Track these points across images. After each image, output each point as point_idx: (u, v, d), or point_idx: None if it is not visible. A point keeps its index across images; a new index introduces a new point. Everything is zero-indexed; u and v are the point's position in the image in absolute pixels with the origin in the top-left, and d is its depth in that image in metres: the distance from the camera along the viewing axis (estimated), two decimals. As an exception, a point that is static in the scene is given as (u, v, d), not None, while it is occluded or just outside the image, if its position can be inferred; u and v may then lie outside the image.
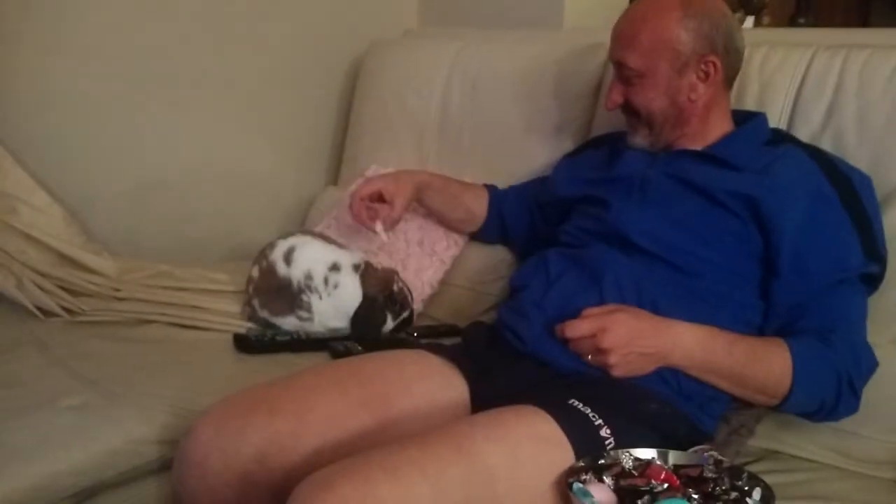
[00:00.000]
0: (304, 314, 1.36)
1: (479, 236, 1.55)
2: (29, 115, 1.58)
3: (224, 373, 1.22)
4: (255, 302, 1.37)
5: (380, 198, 1.38)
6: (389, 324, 1.37)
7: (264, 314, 1.37)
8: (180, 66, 1.75)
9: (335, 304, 1.35)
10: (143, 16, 1.68)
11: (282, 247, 1.36)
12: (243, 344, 1.30)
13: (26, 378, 1.17)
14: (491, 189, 1.51)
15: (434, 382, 1.06)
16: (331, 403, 0.96)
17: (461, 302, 1.58)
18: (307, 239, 1.39)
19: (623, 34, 1.15)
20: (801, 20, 2.46)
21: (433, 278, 1.55)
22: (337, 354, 1.29)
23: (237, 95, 1.87)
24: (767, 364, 1.00)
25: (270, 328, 1.37)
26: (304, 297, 1.34)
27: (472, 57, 1.73)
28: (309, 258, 1.35)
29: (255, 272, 1.37)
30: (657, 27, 1.11)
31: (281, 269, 1.34)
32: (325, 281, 1.34)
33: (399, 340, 1.40)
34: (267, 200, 1.96)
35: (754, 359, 1.00)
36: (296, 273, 1.34)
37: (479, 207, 1.49)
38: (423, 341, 1.38)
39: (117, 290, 1.47)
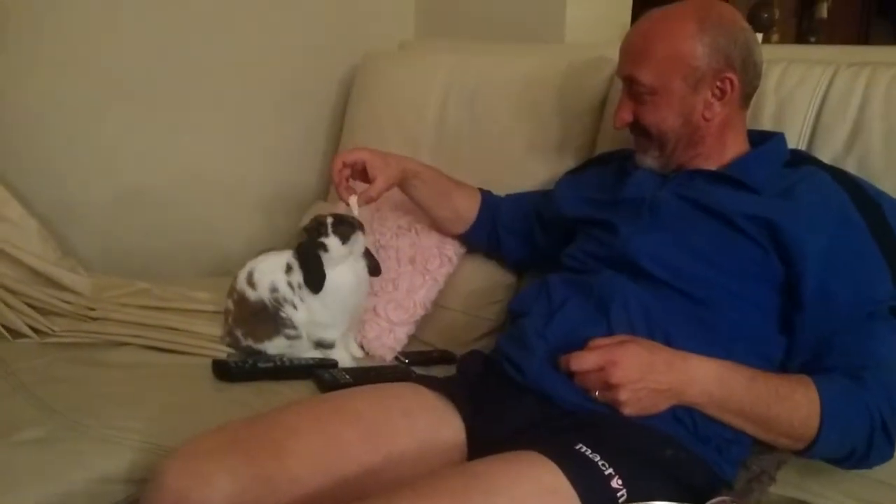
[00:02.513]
0: (291, 332, 1.29)
1: (466, 239, 1.46)
2: (4, 124, 1.52)
3: (200, 403, 1.13)
4: (238, 333, 1.30)
5: (363, 170, 1.29)
6: (340, 247, 1.25)
7: (249, 342, 1.30)
8: (164, 75, 1.70)
9: (316, 308, 1.28)
10: (125, 24, 1.64)
11: (243, 273, 1.31)
12: (222, 371, 1.21)
13: (-15, 406, 1.08)
14: (484, 193, 1.44)
15: (427, 420, 0.98)
16: (315, 445, 0.88)
17: (455, 326, 1.50)
18: (261, 257, 1.32)
19: (634, 48, 1.08)
20: (812, 38, 2.41)
21: (426, 298, 1.47)
22: (322, 383, 1.21)
23: (225, 106, 1.81)
24: (792, 403, 0.92)
25: (254, 355, 1.29)
26: (283, 314, 1.28)
27: (470, 70, 1.66)
28: (266, 272, 1.29)
29: (230, 304, 1.32)
30: (671, 41, 1.04)
31: (250, 294, 1.29)
32: (290, 285, 1.28)
33: (389, 369, 1.32)
34: (254, 214, 1.91)
35: (778, 397, 0.92)
36: (263, 293, 1.28)
37: (468, 209, 1.41)
38: (416, 370, 1.30)
39: (91, 309, 1.39)
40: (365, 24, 2.01)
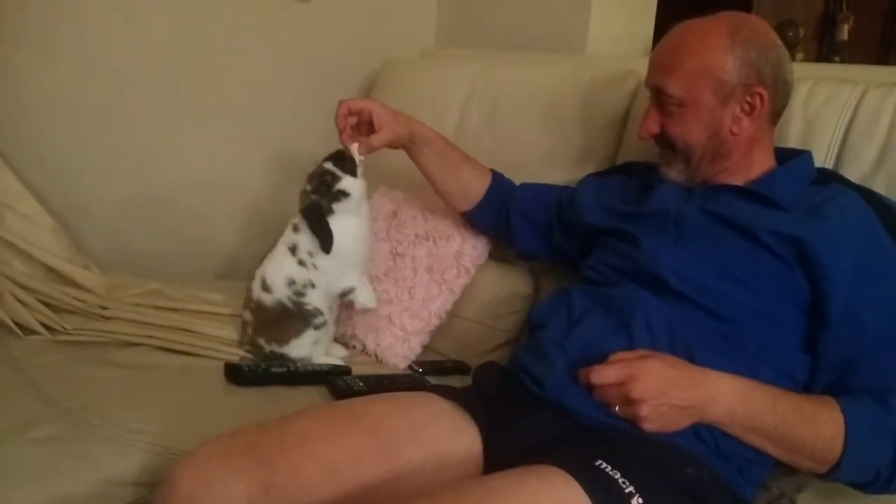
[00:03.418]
0: (318, 320, 1.28)
1: (472, 217, 1.43)
2: (23, 120, 1.53)
3: (212, 407, 1.11)
4: (261, 340, 1.28)
5: (369, 121, 1.26)
6: (357, 183, 1.25)
7: (273, 347, 1.28)
8: (181, 77, 1.70)
9: (330, 267, 1.26)
10: (143, 26, 1.63)
11: (256, 282, 1.28)
12: (235, 375, 1.19)
13: (-6, 402, 1.07)
14: (496, 174, 1.41)
15: (443, 430, 0.96)
16: (329, 453, 0.86)
17: (470, 336, 1.49)
18: (265, 262, 1.30)
19: (664, 59, 1.07)
20: (837, 59, 2.39)
21: (441, 308, 1.45)
22: (336, 390, 1.19)
23: (243, 113, 1.81)
24: (816, 425, 0.90)
25: (279, 359, 1.28)
26: (306, 305, 1.26)
27: (492, 79, 1.65)
28: (277, 271, 1.27)
29: (248, 315, 1.29)
30: (702, 53, 1.03)
31: (268, 300, 1.27)
32: (302, 264, 1.26)
33: (403, 377, 1.31)
34: (268, 220, 1.88)
35: (802, 418, 0.90)
36: (280, 293, 1.26)
37: (476, 186, 1.39)
38: (431, 380, 1.28)
39: (104, 308, 1.38)
40: (386, 31, 2.01)
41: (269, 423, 0.90)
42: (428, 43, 2.10)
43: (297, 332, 1.27)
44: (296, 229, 1.28)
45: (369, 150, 1.26)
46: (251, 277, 1.30)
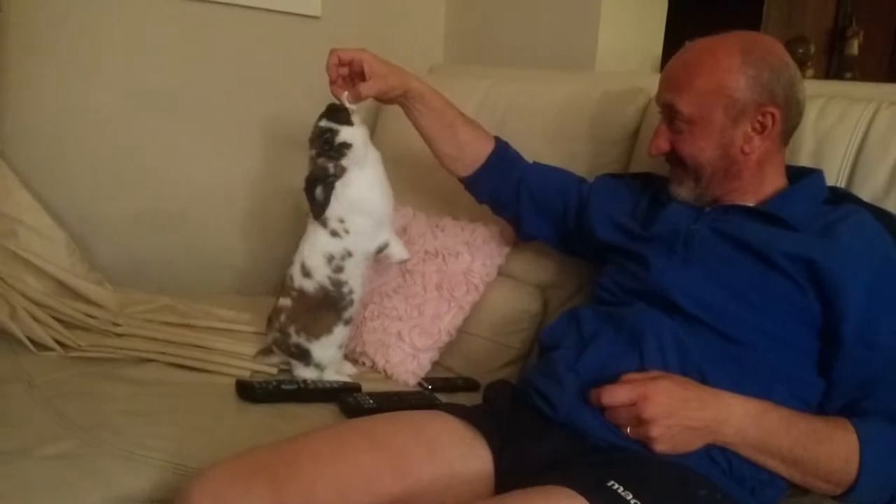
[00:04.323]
0: (349, 312, 1.30)
1: (469, 185, 1.39)
2: (35, 136, 1.55)
3: (224, 424, 1.12)
4: (291, 329, 1.28)
5: (361, 72, 1.23)
6: (357, 132, 1.24)
7: (300, 339, 1.28)
8: (194, 93, 1.72)
9: (362, 225, 1.27)
10: (156, 42, 1.66)
11: (296, 269, 1.28)
12: (246, 392, 1.20)
13: (9, 419, 1.08)
14: (500, 142, 1.36)
15: (455, 449, 0.96)
16: (340, 473, 0.86)
17: (479, 353, 1.49)
18: (300, 249, 1.30)
19: (676, 76, 1.07)
20: (848, 75, 2.39)
21: (451, 325, 1.45)
22: (346, 407, 1.19)
23: (254, 126, 1.82)
24: (831, 447, 0.89)
25: (300, 356, 1.28)
26: (345, 287, 1.28)
27: (501, 95, 1.66)
28: (314, 252, 1.27)
29: (287, 301, 1.29)
30: (714, 72, 1.03)
31: (310, 286, 1.27)
32: (336, 234, 1.27)
33: (413, 395, 1.30)
34: (280, 237, 1.89)
35: (816, 440, 0.90)
36: (321, 275, 1.27)
37: (474, 150, 1.34)
38: (440, 397, 1.28)
39: (116, 324, 1.38)
40: (394, 48, 2.00)
41: (280, 444, 0.90)
42: (436, 59, 2.11)
43: (329, 328, 1.28)
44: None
45: (357, 98, 1.24)
46: (290, 264, 1.30)
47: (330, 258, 1.27)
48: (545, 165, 1.37)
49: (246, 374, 1.28)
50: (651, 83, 1.38)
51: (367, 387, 1.29)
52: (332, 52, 1.24)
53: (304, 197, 1.27)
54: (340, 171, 1.24)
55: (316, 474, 0.85)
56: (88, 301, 1.41)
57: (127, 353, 1.30)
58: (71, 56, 1.56)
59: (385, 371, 1.41)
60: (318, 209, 1.24)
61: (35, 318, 1.32)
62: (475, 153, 1.34)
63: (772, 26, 2.93)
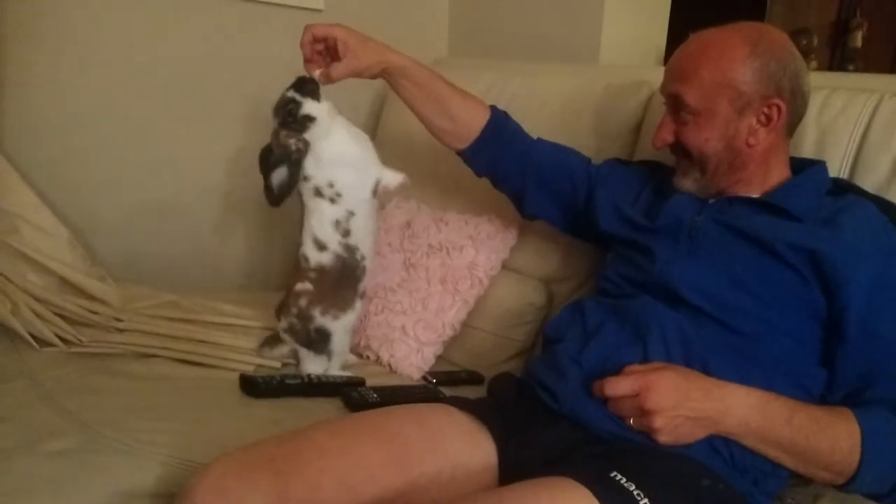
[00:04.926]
0: (363, 284, 1.31)
1: (466, 158, 1.35)
2: (36, 132, 1.54)
3: (228, 419, 1.12)
4: (316, 311, 1.27)
5: (335, 48, 1.20)
6: (321, 106, 1.22)
7: (327, 320, 1.28)
8: (196, 89, 1.71)
9: (349, 178, 1.27)
10: (157, 36, 1.65)
11: (308, 248, 1.28)
12: (250, 386, 1.20)
13: (12, 415, 1.08)
14: (497, 112, 1.32)
15: (460, 442, 0.96)
16: (347, 466, 0.86)
17: (483, 347, 1.49)
18: (305, 223, 1.29)
19: (682, 67, 1.07)
20: (851, 67, 2.37)
21: (455, 319, 1.45)
22: (350, 401, 1.19)
23: (255, 121, 1.81)
24: (833, 437, 0.89)
25: (321, 337, 1.28)
26: (357, 251, 1.28)
27: (505, 88, 1.65)
28: (320, 222, 1.27)
29: (307, 286, 1.28)
30: (720, 64, 1.03)
31: (327, 260, 1.28)
32: (334, 200, 1.26)
33: (417, 388, 1.30)
34: (282, 231, 1.89)
35: (818, 430, 0.90)
36: (333, 244, 1.27)
37: (467, 122, 1.30)
38: (444, 391, 1.28)
39: (119, 320, 1.38)
40: (398, 40, 1.99)
41: (284, 437, 0.90)
42: (440, 52, 2.10)
43: (352, 301, 1.29)
44: (306, 178, 1.26)
45: (328, 79, 1.21)
46: (298, 244, 1.30)
47: (337, 224, 1.26)
48: (552, 143, 1.34)
49: (249, 369, 1.28)
50: (655, 76, 1.37)
51: (371, 381, 1.30)
52: (306, 28, 1.21)
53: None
54: (304, 147, 1.22)
55: (320, 468, 0.85)
56: (91, 297, 1.41)
57: (130, 348, 1.30)
58: (71, 51, 1.55)
59: (389, 365, 1.41)
60: (281, 193, 1.22)
61: (37, 314, 1.32)
62: (469, 125, 1.30)
63: (775, 18, 2.92)
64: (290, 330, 1.29)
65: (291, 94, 1.21)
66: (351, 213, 1.27)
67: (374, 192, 1.30)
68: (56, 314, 1.34)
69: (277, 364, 1.33)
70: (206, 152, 1.76)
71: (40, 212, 1.47)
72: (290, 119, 1.21)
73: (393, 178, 1.31)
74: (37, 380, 1.17)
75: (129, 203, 1.68)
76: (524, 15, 1.96)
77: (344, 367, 1.35)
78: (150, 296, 1.46)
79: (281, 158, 1.22)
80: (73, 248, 1.49)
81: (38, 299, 1.34)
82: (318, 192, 1.26)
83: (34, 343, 1.29)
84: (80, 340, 1.31)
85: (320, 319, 1.27)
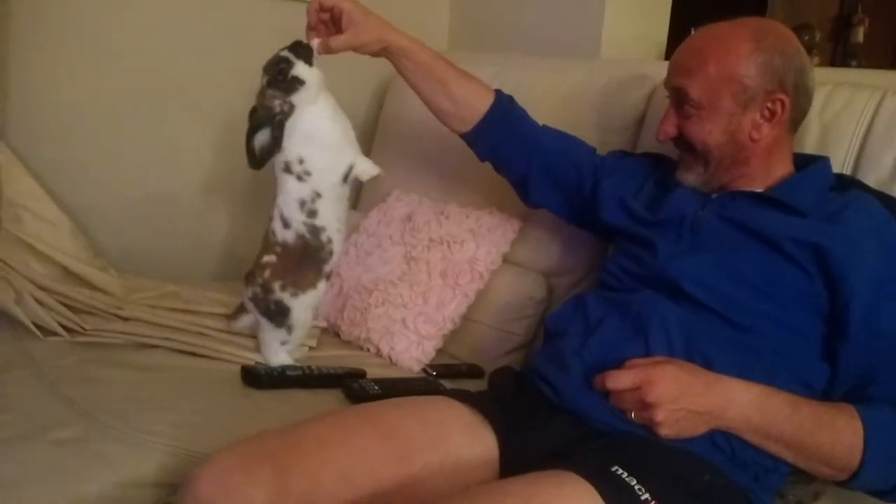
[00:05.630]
0: (329, 265, 1.27)
1: (469, 142, 1.34)
2: (38, 123, 1.54)
3: (229, 410, 1.12)
4: (276, 285, 1.25)
5: (340, 18, 1.20)
6: (313, 71, 1.20)
7: (285, 295, 1.25)
8: (199, 82, 1.71)
9: (321, 158, 1.23)
10: (157, 28, 1.65)
11: (276, 223, 1.26)
12: (251, 378, 1.20)
13: (15, 404, 1.08)
14: (501, 96, 1.31)
15: (461, 435, 0.96)
16: (347, 458, 0.86)
17: (483, 340, 1.49)
18: (276, 201, 1.27)
19: (686, 61, 1.07)
20: (854, 62, 2.37)
21: (455, 313, 1.46)
22: (351, 393, 1.19)
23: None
24: (835, 432, 0.90)
25: (280, 314, 1.26)
26: (322, 233, 1.25)
27: (506, 83, 1.63)
28: (287, 199, 1.24)
29: (271, 258, 1.26)
30: (725, 58, 1.03)
31: (290, 237, 1.25)
32: (301, 178, 1.23)
33: (418, 381, 1.31)
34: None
35: (820, 425, 0.90)
36: (296, 222, 1.24)
37: (470, 104, 1.29)
38: (445, 384, 1.29)
39: (120, 309, 1.38)
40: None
41: (286, 429, 0.90)
42: (441, 47, 2.09)
43: (313, 282, 1.26)
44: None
45: (327, 50, 1.20)
46: (269, 219, 1.28)
47: (302, 203, 1.23)
48: (557, 130, 1.33)
49: (250, 361, 1.28)
50: (657, 70, 1.38)
51: (371, 373, 1.30)
52: None
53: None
54: (289, 109, 1.19)
55: (321, 460, 0.85)
56: (93, 287, 1.41)
57: (132, 338, 1.30)
58: (75, 43, 1.55)
59: (390, 358, 1.41)
60: (262, 156, 1.20)
61: (40, 303, 1.32)
62: (471, 106, 1.30)
63: (776, 13, 2.91)
64: (254, 299, 1.27)
65: (285, 53, 1.20)
66: (317, 195, 1.23)
67: (345, 178, 1.27)
68: (59, 302, 1.33)
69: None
70: (207, 145, 1.76)
71: (43, 202, 1.47)
72: (281, 78, 1.19)
73: (368, 168, 1.29)
74: (40, 369, 1.18)
75: (130, 194, 1.68)
76: (524, 9, 1.95)
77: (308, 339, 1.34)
78: (151, 286, 1.46)
79: (264, 119, 1.20)
80: (75, 238, 1.49)
81: (41, 288, 1.34)
82: (287, 168, 1.23)
83: (37, 332, 1.29)
84: (83, 329, 1.31)
85: (279, 293, 1.25)
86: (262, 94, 1.21)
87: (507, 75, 1.66)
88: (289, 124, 1.20)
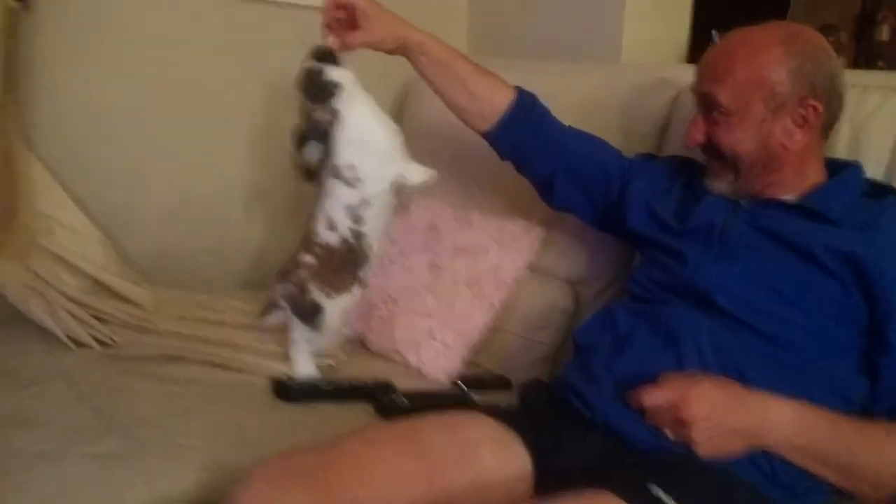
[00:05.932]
0: (364, 271, 1.27)
1: (490, 141, 1.32)
2: (70, 133, 1.55)
3: (262, 424, 1.12)
4: (313, 285, 1.25)
5: (355, 16, 1.19)
6: (345, 72, 1.20)
7: (321, 297, 1.25)
8: (228, 91, 1.71)
9: (370, 165, 1.23)
10: (183, 37, 1.65)
11: (320, 224, 1.25)
12: (282, 390, 1.21)
13: (50, 417, 1.09)
14: (522, 94, 1.29)
15: (494, 452, 0.95)
16: (380, 477, 0.87)
17: (510, 350, 1.48)
18: (322, 200, 1.26)
19: (715, 66, 1.05)
20: (880, 63, 2.34)
21: (481, 322, 1.45)
22: (381, 407, 1.20)
23: (277, 121, 1.81)
24: (881, 452, 0.87)
25: (312, 312, 1.26)
26: (365, 239, 1.25)
27: (527, 89, 1.64)
28: (335, 203, 1.23)
29: (311, 259, 1.25)
30: (755, 63, 1.01)
31: (334, 240, 1.25)
32: (350, 183, 1.22)
33: (448, 393, 1.30)
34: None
35: (866, 446, 0.88)
36: (343, 227, 1.24)
37: (489, 102, 1.27)
38: (475, 397, 1.28)
39: (150, 321, 1.40)
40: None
41: (321, 447, 0.90)
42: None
43: (348, 286, 1.26)
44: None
45: (342, 47, 1.19)
46: (311, 218, 1.27)
47: (349, 208, 1.23)
48: (582, 132, 1.31)
49: (279, 373, 1.28)
50: (678, 75, 1.37)
51: (399, 383, 1.29)
52: None
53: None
54: (333, 116, 1.19)
55: (357, 480, 0.85)
56: (124, 299, 1.42)
57: (162, 350, 1.31)
58: (100, 51, 1.55)
59: (418, 369, 1.41)
60: (320, 168, 1.20)
61: (73, 315, 1.33)
62: (491, 103, 1.28)
63: (797, 14, 2.87)
64: (289, 297, 1.27)
65: (309, 63, 1.20)
66: (366, 202, 1.24)
67: (394, 186, 1.27)
68: (91, 315, 1.35)
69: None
70: (231, 151, 1.77)
71: (73, 213, 1.48)
72: (314, 88, 1.19)
73: (416, 174, 1.28)
74: (73, 381, 1.18)
75: (154, 202, 1.68)
76: (543, 14, 1.94)
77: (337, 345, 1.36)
78: (180, 298, 1.47)
79: (309, 133, 1.19)
80: (105, 249, 1.50)
81: (72, 300, 1.35)
82: (335, 173, 1.22)
83: (71, 344, 1.30)
84: (113, 341, 1.32)
85: (315, 294, 1.25)
86: (303, 112, 1.21)
87: (526, 81, 1.63)
88: (336, 131, 1.20)
